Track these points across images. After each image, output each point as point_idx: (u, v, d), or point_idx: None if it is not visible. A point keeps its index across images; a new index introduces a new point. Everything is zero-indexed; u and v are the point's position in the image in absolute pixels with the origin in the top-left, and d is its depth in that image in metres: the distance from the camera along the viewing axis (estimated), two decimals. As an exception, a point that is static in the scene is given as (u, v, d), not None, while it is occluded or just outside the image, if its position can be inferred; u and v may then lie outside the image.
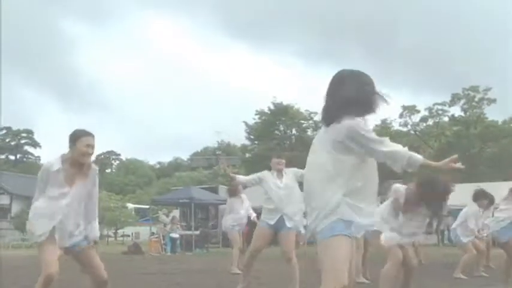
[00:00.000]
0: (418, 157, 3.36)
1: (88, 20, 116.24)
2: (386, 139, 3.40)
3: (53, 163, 4.95)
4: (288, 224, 7.16)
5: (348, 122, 3.37)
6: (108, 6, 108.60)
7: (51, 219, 4.87)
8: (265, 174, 7.54)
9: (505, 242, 8.21)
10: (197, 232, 23.84)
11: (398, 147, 3.41)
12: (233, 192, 11.81)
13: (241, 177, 7.77)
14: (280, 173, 7.42)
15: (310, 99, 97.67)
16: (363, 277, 9.44)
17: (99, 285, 5.26)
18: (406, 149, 3.40)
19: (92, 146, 5.04)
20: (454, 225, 10.02)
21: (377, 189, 3.62)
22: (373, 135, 3.40)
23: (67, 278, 7.49)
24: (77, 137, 4.98)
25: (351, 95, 3.46)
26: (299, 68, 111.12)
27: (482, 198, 9.46)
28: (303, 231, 6.86)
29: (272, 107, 43.87)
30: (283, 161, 7.53)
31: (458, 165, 3.37)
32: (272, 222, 7.21)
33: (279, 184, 7.32)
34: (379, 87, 3.56)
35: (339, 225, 3.36)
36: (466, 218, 9.65)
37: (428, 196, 5.91)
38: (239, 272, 11.18)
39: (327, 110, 3.55)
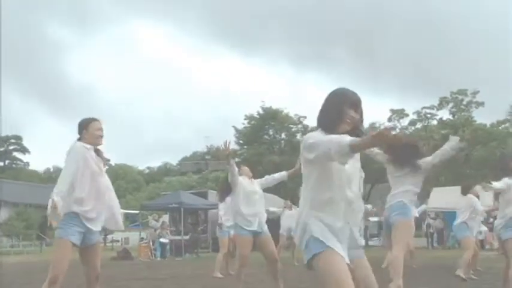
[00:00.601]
0: (346, 140, 3.02)
1: (75, 25, 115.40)
2: (329, 136, 3.20)
3: (80, 144, 5.26)
4: (264, 228, 7.45)
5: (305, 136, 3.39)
6: (96, 12, 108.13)
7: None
8: (241, 178, 7.65)
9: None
10: (187, 237, 23.80)
11: (331, 137, 3.16)
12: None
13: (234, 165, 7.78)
14: (251, 180, 7.72)
15: (299, 103, 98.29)
16: None
17: (94, 280, 5.66)
18: (340, 137, 3.11)
19: (102, 129, 5.41)
20: (458, 221, 9.79)
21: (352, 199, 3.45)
22: (313, 140, 3.25)
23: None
24: (88, 122, 5.33)
25: (319, 113, 3.50)
26: (287, 73, 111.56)
27: (472, 187, 9.67)
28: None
29: (261, 112, 43.87)
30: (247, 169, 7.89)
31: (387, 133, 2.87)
32: (253, 228, 7.37)
33: (254, 189, 7.55)
34: (351, 103, 3.44)
35: (314, 244, 3.32)
36: (472, 205, 9.57)
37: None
38: (221, 276, 11.22)
39: None
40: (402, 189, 6.74)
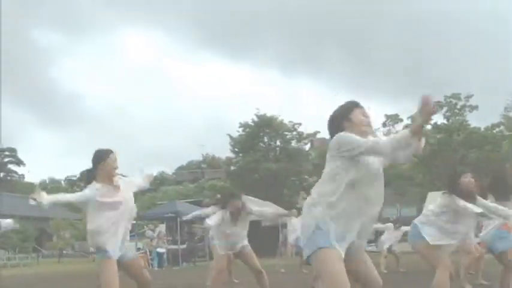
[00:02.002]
0: (403, 132, 3.40)
1: (64, 34, 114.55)
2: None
3: (89, 191, 5.51)
4: (243, 243, 7.53)
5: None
6: (85, 20, 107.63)
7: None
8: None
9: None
10: (184, 246, 23.75)
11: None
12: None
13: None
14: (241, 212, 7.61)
15: (291, 108, 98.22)
16: None
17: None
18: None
19: (117, 161, 5.62)
20: None
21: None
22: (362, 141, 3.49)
23: None
24: (106, 155, 5.52)
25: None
26: (278, 79, 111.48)
27: None
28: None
29: (256, 119, 43.88)
30: (239, 204, 7.60)
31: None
32: (235, 250, 7.53)
33: (236, 223, 7.54)
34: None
35: (320, 238, 3.41)
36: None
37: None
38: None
39: None
40: None
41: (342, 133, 3.51)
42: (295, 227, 16.13)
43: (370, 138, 3.49)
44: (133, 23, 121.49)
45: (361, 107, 3.74)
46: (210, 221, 7.52)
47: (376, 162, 3.59)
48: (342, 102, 3.80)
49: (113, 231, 5.39)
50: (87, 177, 5.68)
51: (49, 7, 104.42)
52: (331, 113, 3.80)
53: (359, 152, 3.40)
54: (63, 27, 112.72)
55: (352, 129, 3.58)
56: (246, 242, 7.56)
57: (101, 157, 5.50)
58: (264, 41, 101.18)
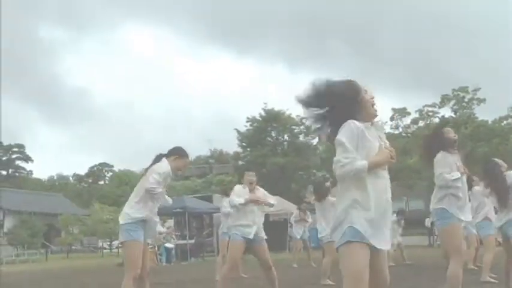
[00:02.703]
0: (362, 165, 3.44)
1: (67, 29, 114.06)
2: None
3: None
4: (260, 235, 7.52)
5: None
6: (89, 15, 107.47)
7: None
8: (238, 189, 7.76)
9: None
10: (192, 241, 23.78)
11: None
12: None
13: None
14: (252, 188, 7.73)
15: (297, 104, 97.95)
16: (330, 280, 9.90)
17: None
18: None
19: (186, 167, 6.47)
20: (479, 219, 9.63)
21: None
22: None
23: None
24: (185, 155, 6.35)
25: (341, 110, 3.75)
26: (284, 74, 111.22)
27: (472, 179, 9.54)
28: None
29: (263, 114, 43.90)
30: (255, 178, 7.87)
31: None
32: (251, 237, 7.42)
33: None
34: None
35: (351, 232, 3.42)
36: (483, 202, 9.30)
37: None
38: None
39: None
40: None
41: (339, 137, 3.49)
42: (301, 224, 16.24)
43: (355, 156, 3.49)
44: (139, 19, 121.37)
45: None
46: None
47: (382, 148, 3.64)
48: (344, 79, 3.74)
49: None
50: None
51: (54, 3, 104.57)
52: (333, 84, 3.69)
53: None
54: (66, 24, 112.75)
55: (361, 113, 3.58)
56: (263, 234, 7.60)
57: (179, 153, 6.30)
58: (269, 36, 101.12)
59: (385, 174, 3.60)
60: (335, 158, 3.47)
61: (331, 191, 10.35)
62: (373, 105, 3.68)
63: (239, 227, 7.47)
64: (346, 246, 3.39)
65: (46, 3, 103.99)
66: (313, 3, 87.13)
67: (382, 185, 3.54)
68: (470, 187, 9.41)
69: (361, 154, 3.46)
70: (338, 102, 3.60)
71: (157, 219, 6.10)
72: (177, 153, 6.21)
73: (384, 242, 3.49)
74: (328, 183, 10.92)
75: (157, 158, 6.15)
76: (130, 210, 5.83)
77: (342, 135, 3.46)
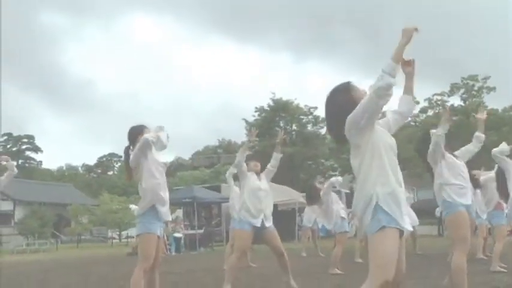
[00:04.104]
0: (386, 64, 3.34)
1: (72, 18, 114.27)
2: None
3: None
4: (267, 223, 7.55)
5: None
6: (93, 3, 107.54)
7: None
8: (248, 173, 7.82)
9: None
10: (201, 231, 23.84)
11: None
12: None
13: (244, 154, 7.89)
14: (258, 175, 7.85)
15: (304, 92, 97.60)
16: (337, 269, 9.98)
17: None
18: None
19: None
20: (491, 207, 9.58)
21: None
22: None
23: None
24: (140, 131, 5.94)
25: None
26: (290, 62, 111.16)
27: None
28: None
29: (271, 103, 43.87)
30: (259, 164, 8.01)
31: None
32: (258, 224, 7.46)
33: (260, 185, 7.71)
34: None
35: (384, 216, 3.42)
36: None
37: None
38: None
39: None
40: None
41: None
42: (312, 212, 16.18)
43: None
44: (143, 7, 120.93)
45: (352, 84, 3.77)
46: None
47: (387, 133, 3.67)
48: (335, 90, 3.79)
49: None
50: None
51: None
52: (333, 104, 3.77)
53: (362, 118, 3.43)
54: (71, 12, 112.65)
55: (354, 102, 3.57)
56: (271, 222, 7.64)
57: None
58: (274, 24, 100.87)
59: (395, 158, 3.60)
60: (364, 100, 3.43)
61: (323, 188, 10.49)
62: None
63: (246, 213, 7.47)
64: (381, 232, 3.37)
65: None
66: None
67: (395, 166, 3.55)
68: (476, 186, 9.33)
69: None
70: (339, 118, 3.61)
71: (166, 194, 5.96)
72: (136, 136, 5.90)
73: (408, 223, 3.51)
74: (320, 180, 11.01)
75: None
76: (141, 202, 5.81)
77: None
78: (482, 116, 6.99)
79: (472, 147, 6.80)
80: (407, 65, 3.79)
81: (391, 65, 3.30)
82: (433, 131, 6.31)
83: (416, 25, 3.40)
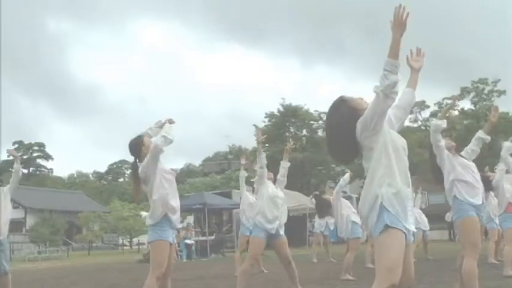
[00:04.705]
0: (386, 63, 3.33)
1: (77, 23, 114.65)
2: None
3: None
4: (281, 231, 7.59)
5: None
6: (99, 8, 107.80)
7: None
8: (267, 180, 7.86)
9: None
10: (212, 237, 23.84)
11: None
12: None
13: (264, 156, 7.90)
14: (273, 183, 7.91)
15: (312, 97, 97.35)
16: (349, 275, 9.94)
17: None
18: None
19: None
20: (501, 211, 9.55)
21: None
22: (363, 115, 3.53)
23: None
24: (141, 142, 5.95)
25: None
26: (297, 66, 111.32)
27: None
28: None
29: (281, 109, 43.89)
30: (271, 174, 8.11)
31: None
32: (273, 231, 7.45)
33: (277, 193, 7.74)
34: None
35: (389, 217, 3.42)
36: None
37: None
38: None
39: None
40: None
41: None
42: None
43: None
44: (151, 13, 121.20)
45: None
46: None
47: (397, 135, 3.65)
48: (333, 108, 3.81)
49: None
50: None
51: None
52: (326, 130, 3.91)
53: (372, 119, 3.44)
54: (76, 18, 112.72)
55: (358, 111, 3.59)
56: (283, 230, 7.67)
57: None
58: (281, 29, 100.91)
59: (405, 158, 3.59)
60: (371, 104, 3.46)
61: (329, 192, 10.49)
62: (366, 102, 3.68)
63: (262, 218, 7.45)
64: (386, 232, 3.36)
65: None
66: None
67: (404, 167, 3.54)
68: (489, 188, 9.28)
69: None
70: (344, 131, 3.65)
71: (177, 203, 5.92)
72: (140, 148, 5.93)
73: (411, 223, 3.50)
74: (330, 185, 11.00)
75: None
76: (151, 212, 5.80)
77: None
78: (494, 117, 6.91)
79: (476, 148, 6.74)
80: (415, 60, 3.91)
81: (391, 62, 3.30)
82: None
83: (402, 15, 3.32)
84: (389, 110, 3.59)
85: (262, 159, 7.77)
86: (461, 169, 6.12)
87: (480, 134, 6.76)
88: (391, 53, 3.32)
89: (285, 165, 8.08)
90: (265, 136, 8.30)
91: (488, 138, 6.76)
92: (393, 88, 3.32)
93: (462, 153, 6.50)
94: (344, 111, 3.65)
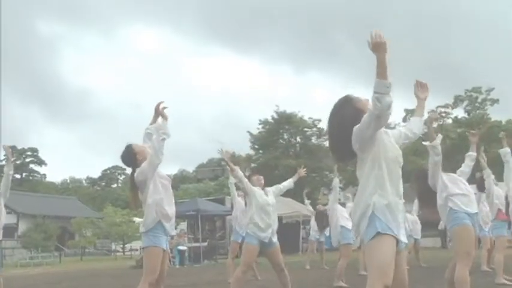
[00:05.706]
0: (377, 84, 3.31)
1: (69, 27, 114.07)
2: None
3: None
4: (274, 239, 7.48)
5: None
6: (92, 14, 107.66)
7: None
8: (254, 188, 7.67)
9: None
10: (205, 244, 23.81)
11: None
12: None
13: (239, 171, 7.81)
14: (264, 190, 7.74)
15: (306, 104, 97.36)
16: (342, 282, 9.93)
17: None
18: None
19: None
20: (492, 218, 9.60)
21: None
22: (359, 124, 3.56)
23: None
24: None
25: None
26: (291, 72, 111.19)
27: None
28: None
29: (275, 116, 43.91)
30: (262, 177, 7.92)
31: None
32: (266, 240, 7.38)
33: (268, 200, 7.60)
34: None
35: (380, 224, 3.45)
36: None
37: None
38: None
39: None
40: None
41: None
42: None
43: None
44: (144, 18, 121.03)
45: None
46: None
47: (393, 144, 3.67)
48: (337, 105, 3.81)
49: None
50: None
51: (59, 2, 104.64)
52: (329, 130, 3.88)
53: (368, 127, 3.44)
54: (68, 22, 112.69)
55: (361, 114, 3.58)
56: (276, 238, 7.62)
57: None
58: (274, 34, 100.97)
59: (399, 170, 3.61)
60: (364, 118, 3.46)
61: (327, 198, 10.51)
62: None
63: (254, 227, 7.43)
64: (377, 238, 3.39)
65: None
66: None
67: (396, 179, 3.56)
68: (482, 188, 9.41)
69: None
70: (345, 131, 3.63)
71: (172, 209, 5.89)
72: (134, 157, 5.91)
73: (403, 234, 3.52)
74: (324, 192, 11.04)
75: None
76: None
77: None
78: (474, 138, 7.10)
79: (467, 169, 6.81)
80: (422, 91, 4.14)
81: (381, 83, 3.28)
82: (425, 143, 6.29)
83: (379, 35, 3.34)
84: (402, 128, 3.64)
85: (237, 175, 7.72)
86: (452, 185, 6.18)
87: (469, 153, 6.98)
88: (379, 74, 3.29)
89: (291, 182, 8.16)
90: (230, 156, 8.26)
91: (475, 155, 6.94)
92: (388, 110, 3.33)
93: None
94: (347, 113, 3.66)
